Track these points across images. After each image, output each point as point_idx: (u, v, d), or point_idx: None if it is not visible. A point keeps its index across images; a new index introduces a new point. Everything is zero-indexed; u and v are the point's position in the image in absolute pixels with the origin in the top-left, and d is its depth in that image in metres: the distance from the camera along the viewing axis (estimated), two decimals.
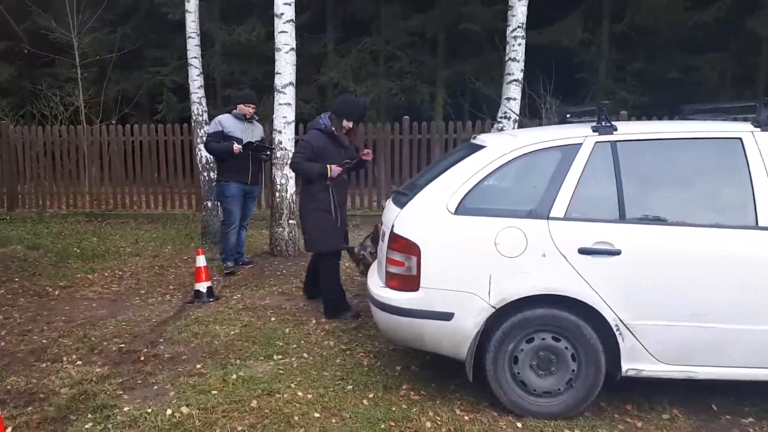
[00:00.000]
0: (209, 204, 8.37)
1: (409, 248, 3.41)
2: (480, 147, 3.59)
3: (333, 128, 5.12)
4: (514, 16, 7.03)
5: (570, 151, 3.37)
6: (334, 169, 5.04)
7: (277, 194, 7.39)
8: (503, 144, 3.51)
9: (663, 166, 3.37)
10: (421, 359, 4.19)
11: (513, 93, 7.09)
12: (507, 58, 7.13)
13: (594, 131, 3.40)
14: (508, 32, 7.08)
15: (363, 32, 16.79)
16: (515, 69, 7.06)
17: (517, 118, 7.07)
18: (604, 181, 3.31)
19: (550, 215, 3.28)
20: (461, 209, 3.37)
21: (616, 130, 3.38)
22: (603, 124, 3.41)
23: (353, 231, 8.92)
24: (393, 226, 3.53)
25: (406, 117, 10.37)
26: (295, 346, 4.54)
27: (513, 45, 7.03)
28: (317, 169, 5.05)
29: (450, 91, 16.85)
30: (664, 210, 3.26)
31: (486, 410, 3.48)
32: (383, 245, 3.72)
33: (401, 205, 3.61)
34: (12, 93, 17.78)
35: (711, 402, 3.52)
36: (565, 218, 3.27)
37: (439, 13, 15.51)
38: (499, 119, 7.25)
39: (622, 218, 3.24)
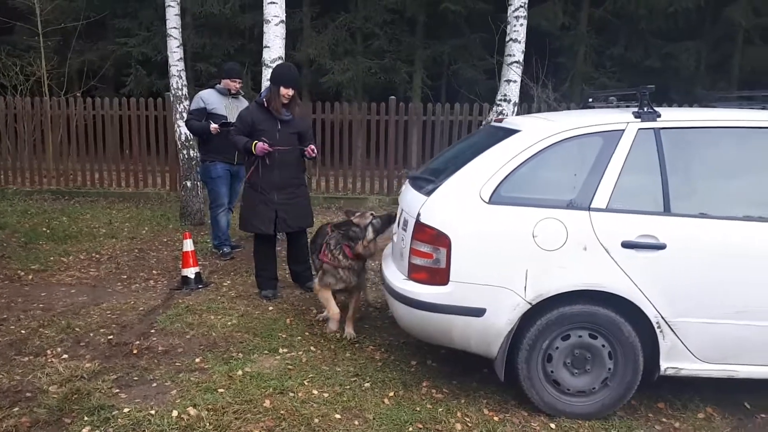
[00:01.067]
0: (188, 183, 7.96)
1: (438, 239, 3.18)
2: (513, 131, 3.36)
3: (264, 99, 4.84)
4: None
5: (612, 137, 3.18)
6: (258, 146, 4.70)
7: None
8: (540, 128, 3.29)
9: (710, 156, 3.22)
10: (436, 353, 4.00)
11: (513, 75, 6.88)
12: (508, 39, 6.90)
13: (636, 117, 3.21)
14: (509, 11, 6.84)
15: (340, 8, 16.32)
16: (516, 50, 6.84)
17: (517, 101, 6.87)
18: (648, 171, 3.13)
19: (592, 206, 3.09)
20: (496, 198, 3.15)
21: (659, 116, 3.20)
22: (645, 109, 3.22)
23: (336, 213, 8.67)
24: (419, 215, 3.28)
25: (392, 97, 10.06)
26: (299, 338, 4.28)
27: (515, 25, 6.80)
28: (243, 143, 4.80)
29: (428, 71, 16.58)
30: (711, 203, 3.11)
31: (515, 410, 3.31)
32: (405, 235, 3.48)
33: (427, 192, 3.37)
34: None
35: (743, 400, 3.43)
36: (608, 210, 3.08)
37: None
38: (498, 102, 7.04)
39: (666, 211, 3.07)
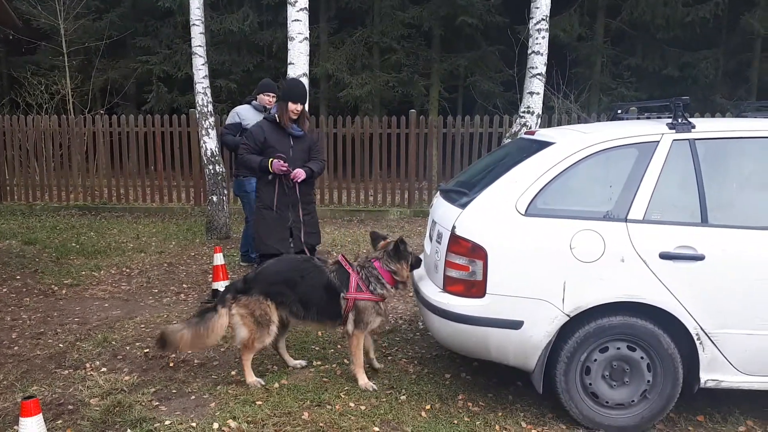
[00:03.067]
0: (214, 198, 8.05)
1: (475, 251, 3.20)
2: (547, 143, 3.39)
3: (276, 115, 4.68)
4: (537, 8, 6.85)
5: (647, 149, 3.19)
6: (275, 165, 4.52)
7: None
8: (574, 140, 3.31)
9: (746, 166, 3.22)
10: (469, 366, 4.01)
11: (536, 87, 6.92)
12: (530, 51, 6.95)
13: (671, 128, 3.23)
14: (530, 25, 6.90)
15: (357, 23, 16.50)
16: (539, 63, 6.88)
17: (540, 113, 6.89)
18: (684, 182, 3.14)
19: (628, 217, 3.10)
20: (532, 210, 3.17)
21: (694, 127, 3.21)
22: (680, 120, 3.24)
23: (358, 226, 8.73)
24: (454, 228, 3.31)
25: (412, 111, 10.16)
26: (332, 350, 4.31)
27: (537, 38, 6.85)
28: (258, 162, 4.61)
29: (445, 84, 16.68)
30: (749, 213, 3.11)
31: (553, 423, 3.30)
32: (440, 247, 3.50)
33: (461, 205, 3.39)
34: None
35: None
36: (645, 221, 3.09)
37: (435, 6, 15.28)
38: (521, 114, 7.07)
39: (704, 221, 3.08)
